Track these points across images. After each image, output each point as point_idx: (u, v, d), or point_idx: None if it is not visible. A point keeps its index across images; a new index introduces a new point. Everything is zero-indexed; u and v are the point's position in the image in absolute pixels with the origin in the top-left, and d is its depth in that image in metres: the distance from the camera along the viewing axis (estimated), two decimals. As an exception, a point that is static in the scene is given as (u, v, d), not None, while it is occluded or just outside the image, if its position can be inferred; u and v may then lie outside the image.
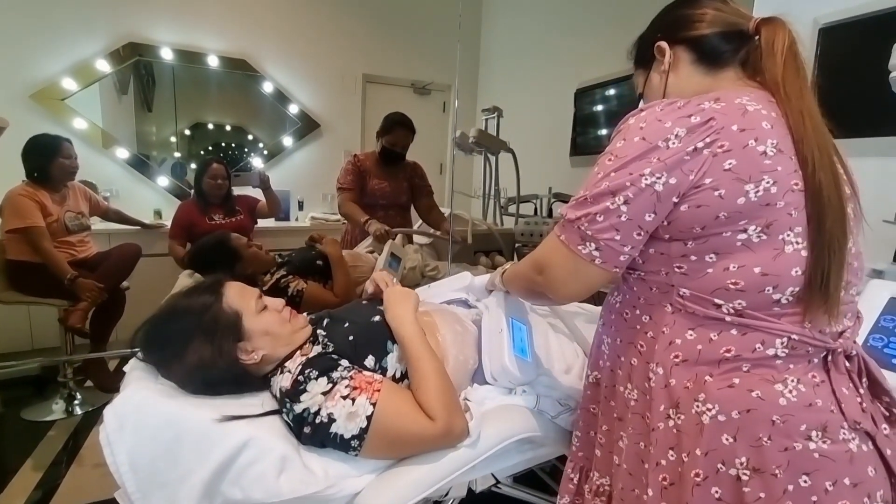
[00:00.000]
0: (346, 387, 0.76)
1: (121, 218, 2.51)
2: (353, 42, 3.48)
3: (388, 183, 2.26)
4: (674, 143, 0.56)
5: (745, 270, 0.56)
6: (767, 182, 0.54)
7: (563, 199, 2.59)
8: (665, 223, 0.59)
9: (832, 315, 0.55)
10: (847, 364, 0.57)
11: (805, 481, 0.52)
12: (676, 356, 0.60)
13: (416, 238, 2.18)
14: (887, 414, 0.58)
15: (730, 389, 0.56)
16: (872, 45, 1.34)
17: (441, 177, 4.04)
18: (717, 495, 0.55)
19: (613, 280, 0.65)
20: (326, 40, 3.40)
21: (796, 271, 0.55)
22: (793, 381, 0.55)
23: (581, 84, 2.80)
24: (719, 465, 0.55)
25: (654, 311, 0.64)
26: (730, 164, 0.55)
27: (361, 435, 0.73)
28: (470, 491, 0.91)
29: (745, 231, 0.55)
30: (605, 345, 0.73)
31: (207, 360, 0.80)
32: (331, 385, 0.77)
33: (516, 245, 2.32)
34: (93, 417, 2.05)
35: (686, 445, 0.58)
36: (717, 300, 0.57)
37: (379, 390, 0.77)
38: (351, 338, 0.87)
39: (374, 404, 0.75)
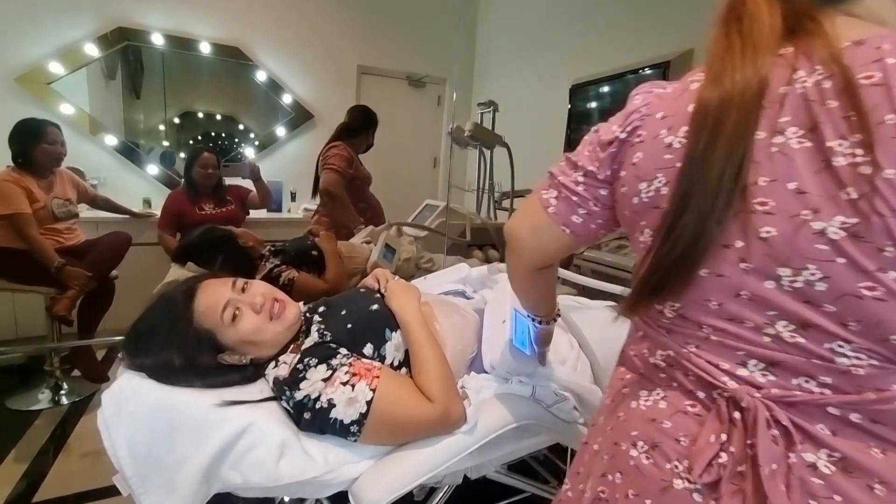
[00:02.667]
0: (346, 373, 0.77)
1: (109, 206, 2.47)
2: (348, 32, 3.45)
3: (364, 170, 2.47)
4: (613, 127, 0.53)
5: (641, 269, 0.50)
6: (659, 181, 0.47)
7: (556, 194, 2.60)
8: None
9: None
10: (736, 415, 0.44)
11: (618, 478, 0.51)
12: (627, 342, 0.60)
13: (406, 230, 2.18)
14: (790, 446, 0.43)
15: (618, 381, 0.58)
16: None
17: (434, 170, 4.04)
18: (584, 460, 0.59)
19: (566, 249, 0.60)
20: (322, 30, 3.36)
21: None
22: (658, 393, 0.51)
23: (576, 80, 2.82)
24: (599, 437, 0.58)
25: None
26: (637, 157, 0.50)
27: (361, 420, 0.74)
28: (465, 478, 0.93)
29: (642, 233, 0.50)
30: None
31: (193, 373, 0.78)
32: (330, 372, 0.77)
33: (510, 239, 2.34)
34: (80, 407, 2.03)
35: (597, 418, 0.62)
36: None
37: (378, 377, 0.77)
38: (349, 325, 0.87)
39: (373, 390, 0.75)
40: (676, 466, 0.46)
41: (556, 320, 0.81)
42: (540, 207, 0.58)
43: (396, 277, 1.06)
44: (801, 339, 0.41)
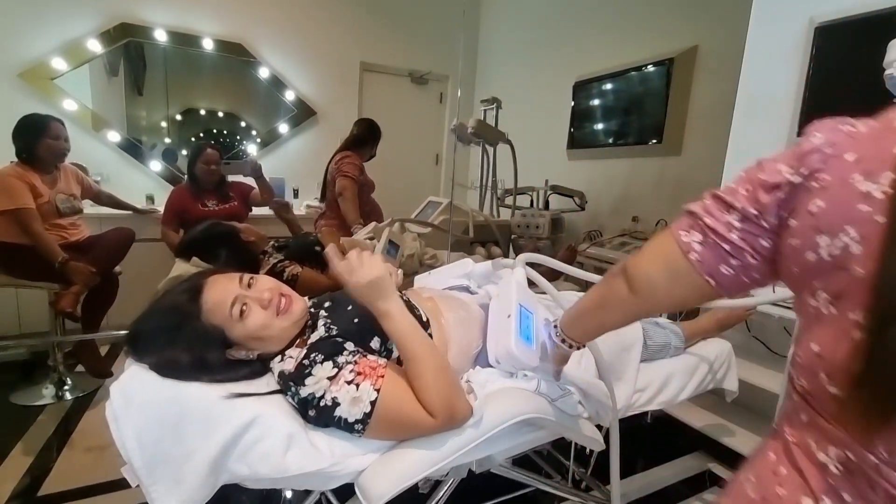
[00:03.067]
0: (351, 371, 0.77)
1: (113, 202, 2.47)
2: (351, 29, 3.45)
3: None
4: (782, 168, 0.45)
5: (805, 342, 0.43)
6: (848, 236, 0.38)
7: (559, 191, 2.61)
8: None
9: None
10: None
11: None
12: (784, 419, 0.50)
13: (409, 226, 2.18)
14: None
15: (770, 473, 0.47)
16: (868, 45, 1.37)
17: (437, 167, 4.04)
18: None
19: (702, 300, 0.52)
20: (324, 26, 3.36)
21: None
22: (830, 501, 0.41)
23: (580, 77, 2.81)
24: None
25: None
26: (817, 206, 0.41)
27: (365, 419, 0.74)
28: (469, 472, 0.93)
29: (814, 296, 0.42)
30: None
31: (200, 368, 0.78)
32: (336, 370, 0.77)
33: (512, 237, 2.34)
34: (84, 402, 2.03)
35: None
36: (792, 369, 0.47)
37: (383, 376, 0.77)
38: (356, 320, 0.87)
39: (377, 390, 0.75)
40: None
41: (582, 347, 0.78)
42: (678, 252, 0.50)
43: (400, 272, 1.05)
44: None
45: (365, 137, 2.57)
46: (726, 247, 0.47)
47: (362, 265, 0.81)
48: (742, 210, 0.47)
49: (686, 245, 0.50)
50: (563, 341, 0.75)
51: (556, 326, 0.77)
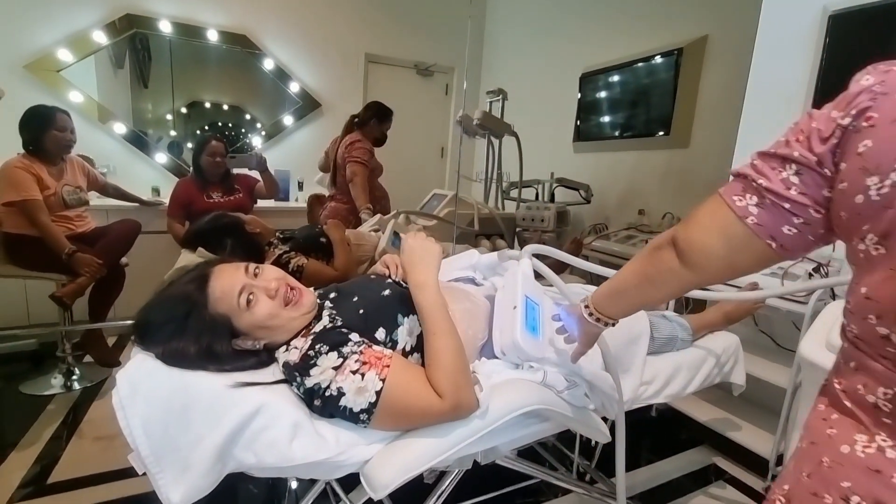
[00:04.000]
0: (356, 361, 0.76)
1: (119, 194, 2.48)
2: (356, 20, 3.42)
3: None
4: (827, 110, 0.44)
5: (856, 288, 0.44)
6: None
7: (565, 184, 2.59)
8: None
9: None
10: None
11: None
12: (834, 371, 0.51)
13: (413, 219, 2.18)
14: None
15: (822, 421, 0.49)
16: (882, 33, 1.34)
17: (442, 160, 4.02)
18: None
19: (765, 265, 0.50)
20: (329, 17, 3.34)
21: None
22: (883, 440, 0.42)
23: (586, 69, 2.78)
24: (785, 485, 0.51)
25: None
26: (865, 146, 0.40)
27: (370, 409, 0.74)
28: (474, 463, 0.93)
29: (863, 240, 0.42)
30: None
31: (207, 358, 0.78)
32: (341, 360, 0.77)
33: (517, 229, 2.33)
34: (92, 392, 2.05)
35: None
36: (843, 319, 0.48)
37: (388, 366, 0.77)
38: (361, 311, 0.87)
39: (383, 380, 0.75)
40: None
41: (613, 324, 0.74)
42: (734, 217, 0.48)
43: (421, 232, 1.03)
44: None
45: (373, 119, 2.55)
46: (786, 205, 0.45)
47: (425, 239, 0.95)
48: (800, 160, 0.44)
49: (742, 210, 0.47)
50: (598, 320, 0.71)
51: (586, 306, 0.73)
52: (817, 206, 0.45)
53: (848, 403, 0.46)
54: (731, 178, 0.51)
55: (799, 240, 0.46)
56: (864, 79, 0.42)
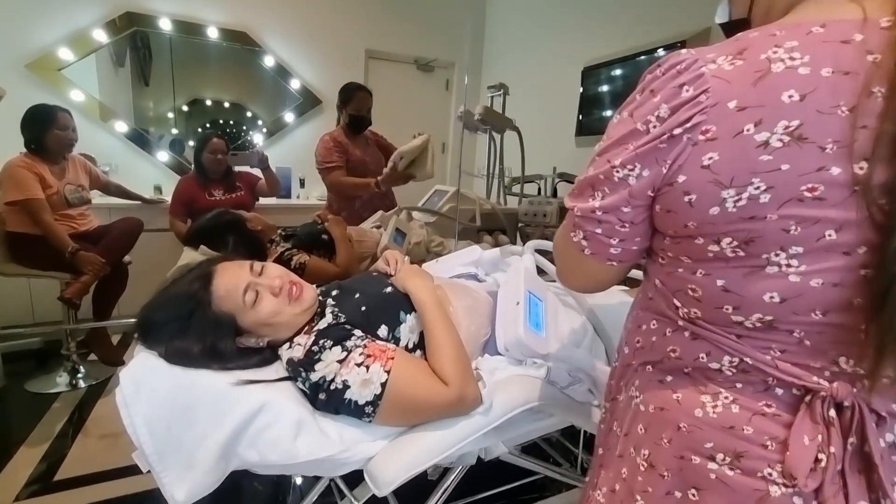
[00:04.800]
0: (361, 354, 0.77)
1: (121, 192, 2.48)
2: (356, 16, 3.40)
3: (364, 153, 2.31)
4: (653, 128, 0.45)
5: (709, 280, 0.47)
6: (756, 188, 0.41)
7: (567, 179, 2.58)
8: (657, 209, 0.49)
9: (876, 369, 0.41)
10: (831, 413, 0.43)
11: (693, 494, 0.49)
12: (638, 341, 0.58)
13: (415, 214, 2.17)
14: (870, 493, 0.44)
15: (658, 384, 0.54)
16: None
17: (443, 156, 4.01)
18: (623, 474, 0.56)
19: (622, 274, 0.57)
20: (329, 13, 3.33)
21: (771, 297, 0.44)
22: (726, 397, 0.48)
23: (588, 62, 2.76)
24: (631, 449, 0.56)
25: (641, 294, 0.61)
26: (710, 158, 0.42)
27: (375, 401, 0.74)
28: (478, 459, 0.93)
29: (717, 243, 0.45)
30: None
31: (211, 356, 0.78)
32: (345, 353, 0.77)
33: (520, 225, 2.32)
34: (97, 390, 2.07)
35: (620, 421, 0.60)
36: (675, 300, 0.52)
37: (393, 358, 0.77)
38: (363, 308, 0.87)
39: (388, 371, 0.75)
40: (770, 474, 0.45)
41: None
42: (578, 253, 0.54)
43: (407, 259, 1.06)
44: None
45: (339, 107, 2.31)
46: (598, 231, 0.51)
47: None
48: (601, 195, 0.50)
49: (578, 245, 0.54)
50: None
51: None
52: (623, 224, 0.50)
53: (687, 370, 0.51)
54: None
55: (627, 252, 0.52)
56: (685, 89, 0.43)
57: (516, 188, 2.64)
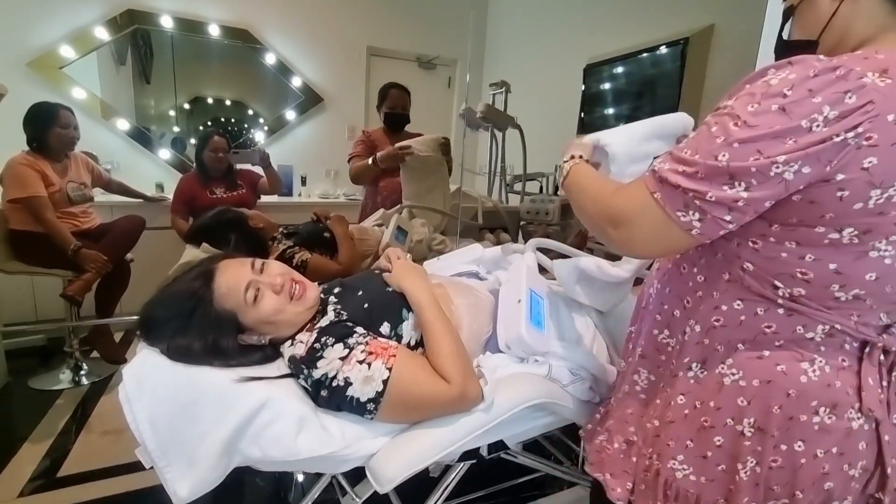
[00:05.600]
0: (363, 352, 0.77)
1: (123, 190, 2.49)
2: (357, 13, 3.40)
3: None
4: (818, 128, 0.47)
5: (820, 265, 0.53)
6: (894, 189, 0.48)
7: (569, 177, 2.57)
8: (794, 199, 0.53)
9: None
10: (882, 357, 0.57)
11: (799, 446, 0.58)
12: (717, 320, 0.62)
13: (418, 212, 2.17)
14: None
15: (758, 360, 0.59)
16: None
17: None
18: (717, 442, 0.62)
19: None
20: (331, 10, 3.32)
21: (871, 276, 0.53)
22: (820, 361, 0.57)
23: (590, 60, 2.75)
24: (728, 420, 0.61)
25: (712, 274, 0.63)
26: (869, 162, 0.48)
27: (377, 398, 0.74)
28: (480, 456, 0.93)
29: (839, 232, 0.51)
30: (654, 288, 0.74)
31: (213, 353, 0.78)
32: (347, 350, 0.77)
33: (521, 223, 2.32)
34: (100, 387, 2.08)
35: (701, 396, 0.64)
36: (777, 282, 0.56)
37: (395, 355, 0.77)
38: (366, 305, 0.87)
39: (389, 369, 0.75)
40: (851, 413, 0.57)
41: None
42: (679, 231, 0.55)
43: (409, 256, 1.06)
44: None
45: (377, 107, 2.35)
46: (727, 218, 0.53)
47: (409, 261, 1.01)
48: (752, 180, 0.50)
49: (685, 224, 0.54)
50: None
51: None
52: (756, 213, 0.53)
53: (779, 343, 0.58)
54: (660, 179, 0.56)
55: (725, 231, 0.55)
56: (849, 96, 0.47)
57: (518, 186, 2.64)
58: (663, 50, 2.34)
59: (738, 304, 0.60)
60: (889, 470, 0.58)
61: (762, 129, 0.49)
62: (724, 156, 0.50)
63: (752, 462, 0.60)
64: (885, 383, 0.57)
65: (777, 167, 0.49)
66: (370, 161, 2.05)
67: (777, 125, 0.48)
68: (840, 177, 0.49)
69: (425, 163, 1.93)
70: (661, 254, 0.67)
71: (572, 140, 0.82)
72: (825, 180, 0.49)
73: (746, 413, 0.60)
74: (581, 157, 0.76)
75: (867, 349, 0.57)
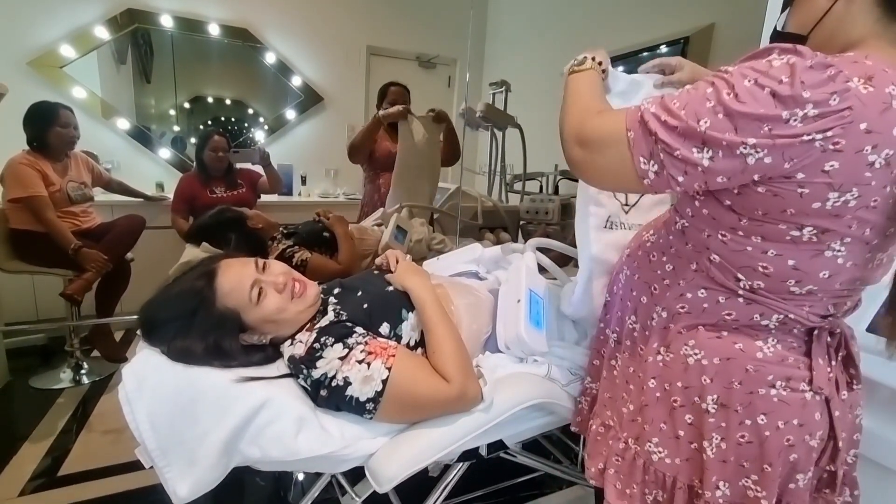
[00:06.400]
0: (362, 351, 0.77)
1: (124, 189, 2.49)
2: (357, 12, 3.39)
3: (394, 146, 2.25)
4: (795, 122, 0.49)
5: (780, 260, 0.57)
6: (852, 195, 0.51)
7: (569, 176, 2.57)
8: (734, 191, 0.56)
9: None
10: (829, 339, 0.63)
11: (762, 419, 0.61)
12: (682, 307, 0.67)
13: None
14: (848, 381, 0.65)
15: (717, 340, 0.64)
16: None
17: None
18: (689, 420, 0.66)
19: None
20: (330, 9, 3.32)
21: (824, 274, 0.57)
22: (772, 341, 0.62)
23: (590, 59, 2.74)
24: (695, 398, 0.65)
25: (680, 263, 0.67)
26: (831, 166, 0.50)
27: (377, 398, 0.74)
28: (479, 456, 0.93)
29: (799, 229, 0.54)
30: (623, 275, 0.78)
31: (214, 353, 0.78)
32: (346, 350, 0.77)
33: (521, 222, 2.32)
34: (101, 386, 2.08)
35: (669, 377, 0.68)
36: (739, 275, 0.60)
37: (394, 355, 0.77)
38: (365, 305, 0.87)
39: (389, 368, 0.75)
40: (804, 387, 0.61)
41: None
42: (633, 173, 0.57)
43: (409, 257, 1.06)
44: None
45: (377, 105, 2.37)
46: (681, 178, 0.55)
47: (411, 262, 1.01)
48: (721, 149, 0.52)
49: (641, 171, 0.57)
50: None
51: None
52: (707, 183, 0.55)
53: (738, 327, 0.63)
54: (641, 119, 0.56)
55: (673, 188, 0.58)
56: (833, 98, 0.48)
57: (518, 185, 2.64)
58: (664, 49, 2.34)
59: (703, 293, 0.64)
60: (840, 443, 0.62)
61: (748, 107, 0.50)
62: (705, 122, 0.52)
63: (717, 439, 0.63)
64: (833, 363, 0.63)
65: (745, 148, 0.51)
66: (375, 116, 2.09)
67: (762, 108, 0.49)
68: (800, 176, 0.51)
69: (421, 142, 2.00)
70: (607, 187, 0.74)
71: (598, 46, 0.85)
72: (787, 177, 0.52)
73: (709, 390, 0.63)
74: (597, 62, 0.78)
75: (815, 332, 0.62)
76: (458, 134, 2.33)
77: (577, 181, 2.68)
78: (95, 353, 2.19)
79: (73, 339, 2.14)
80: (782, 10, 0.67)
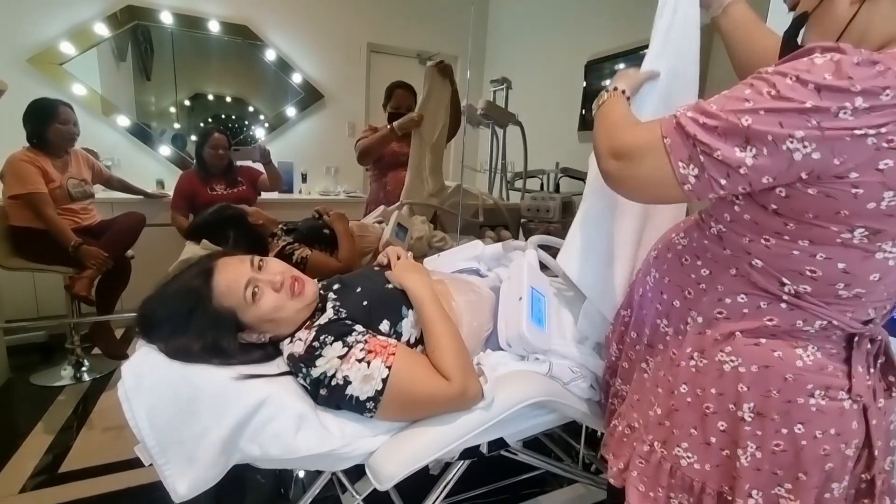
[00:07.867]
0: (362, 350, 0.76)
1: (124, 187, 2.49)
2: (357, 9, 3.38)
3: (400, 147, 2.27)
4: (845, 115, 0.47)
5: (830, 263, 0.55)
6: None
7: (570, 174, 2.56)
8: (781, 193, 0.53)
9: None
10: (869, 346, 0.61)
11: (799, 428, 0.60)
12: (721, 312, 0.64)
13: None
14: (886, 388, 0.64)
15: (755, 347, 0.62)
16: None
17: (446, 151, 3.99)
18: (721, 427, 0.64)
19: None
20: (331, 7, 3.30)
21: (875, 277, 0.55)
22: (813, 348, 0.60)
23: (592, 56, 2.74)
24: (730, 406, 0.63)
25: (717, 268, 0.64)
26: (885, 164, 0.48)
27: (377, 397, 0.74)
28: (480, 454, 0.93)
29: (851, 231, 0.53)
30: (651, 276, 0.75)
31: (212, 351, 0.77)
32: (346, 349, 0.77)
33: (522, 220, 2.31)
34: (101, 383, 2.08)
35: (702, 383, 0.66)
36: (784, 279, 0.58)
37: (394, 354, 0.77)
38: (365, 303, 0.87)
39: (389, 367, 0.75)
40: (842, 395, 0.60)
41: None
42: (672, 180, 0.55)
43: (409, 255, 1.05)
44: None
45: (383, 106, 2.38)
46: (723, 181, 0.53)
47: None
48: (764, 149, 0.50)
49: (682, 177, 0.55)
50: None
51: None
52: (751, 186, 0.53)
53: (778, 333, 0.61)
54: (677, 124, 0.55)
55: (715, 194, 0.56)
56: (885, 93, 0.46)
57: (519, 183, 2.64)
58: (665, 46, 2.32)
59: (743, 298, 0.62)
60: (876, 451, 0.61)
61: (793, 103, 0.48)
62: (746, 119, 0.50)
63: (752, 447, 0.62)
64: (871, 370, 0.61)
65: (792, 142, 0.48)
66: (387, 128, 2.07)
67: (809, 102, 0.47)
68: (854, 175, 0.49)
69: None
70: (646, 199, 0.68)
71: (626, 69, 0.86)
72: (839, 177, 0.50)
73: (746, 398, 0.62)
74: (623, 91, 0.77)
75: (855, 339, 0.60)
76: (458, 133, 2.32)
77: (577, 178, 2.67)
78: (96, 350, 2.19)
79: (73, 337, 2.14)
80: (794, 27, 0.63)
